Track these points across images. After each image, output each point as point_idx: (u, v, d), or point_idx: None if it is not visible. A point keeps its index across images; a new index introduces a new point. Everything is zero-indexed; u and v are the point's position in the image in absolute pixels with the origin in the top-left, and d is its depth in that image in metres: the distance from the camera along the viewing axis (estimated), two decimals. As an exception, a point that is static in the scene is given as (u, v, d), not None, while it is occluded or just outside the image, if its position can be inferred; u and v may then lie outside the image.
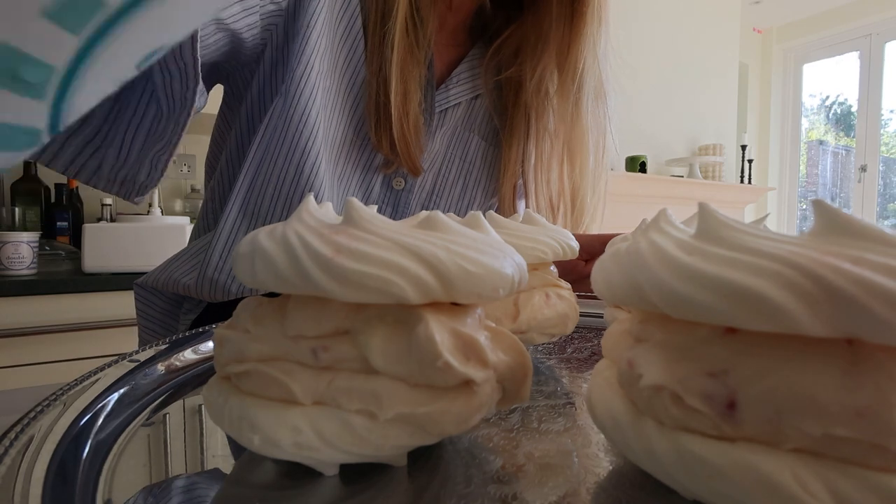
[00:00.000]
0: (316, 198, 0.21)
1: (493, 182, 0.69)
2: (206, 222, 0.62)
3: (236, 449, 0.23)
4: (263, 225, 0.55)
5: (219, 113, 0.64)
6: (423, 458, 0.21)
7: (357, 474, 0.20)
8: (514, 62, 0.66)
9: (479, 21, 0.69)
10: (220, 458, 0.23)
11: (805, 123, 4.03)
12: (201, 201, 0.68)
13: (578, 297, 0.39)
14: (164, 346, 0.33)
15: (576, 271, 0.55)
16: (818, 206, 0.16)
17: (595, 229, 0.71)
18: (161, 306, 0.62)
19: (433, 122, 0.63)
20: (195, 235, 0.64)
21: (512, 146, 0.67)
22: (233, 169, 0.59)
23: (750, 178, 3.25)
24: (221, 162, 0.60)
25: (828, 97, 4.00)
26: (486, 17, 0.69)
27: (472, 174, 0.68)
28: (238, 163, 0.58)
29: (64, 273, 1.30)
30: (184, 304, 0.62)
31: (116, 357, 0.30)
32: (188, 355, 0.33)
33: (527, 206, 0.68)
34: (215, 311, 0.60)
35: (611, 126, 0.67)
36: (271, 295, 0.21)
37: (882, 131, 3.59)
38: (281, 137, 0.54)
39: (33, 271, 1.25)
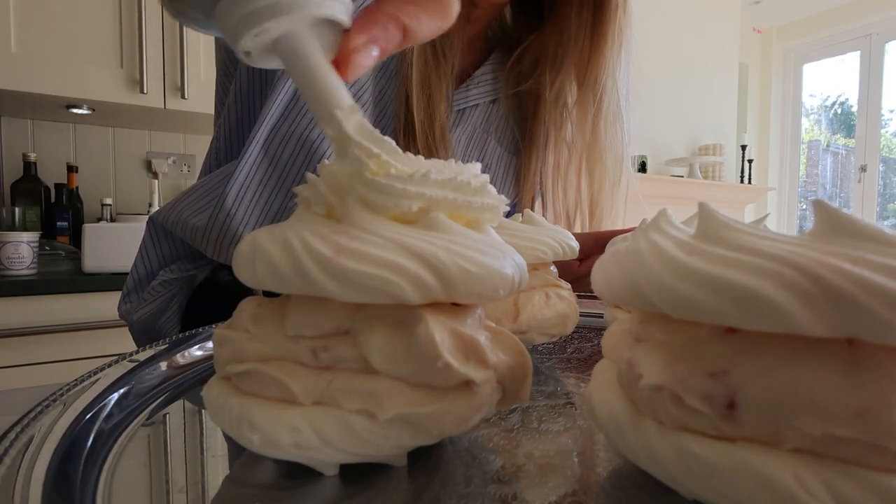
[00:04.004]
0: None
1: (508, 188, 0.69)
2: (217, 156, 0.60)
3: (236, 449, 0.23)
4: (283, 171, 0.54)
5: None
6: (423, 458, 0.21)
7: (357, 474, 0.20)
8: (533, 73, 0.66)
9: (499, 30, 0.69)
10: (220, 458, 0.23)
11: (805, 123, 4.03)
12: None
13: (577, 297, 0.39)
14: (164, 346, 0.33)
15: (571, 271, 0.55)
16: (818, 206, 0.16)
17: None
18: (165, 254, 0.59)
19: (450, 120, 0.63)
20: (204, 172, 0.62)
21: (532, 157, 0.68)
22: (247, 105, 0.56)
23: (750, 178, 3.25)
24: (231, 89, 0.57)
25: (828, 97, 4.00)
26: (505, 25, 0.70)
27: (489, 178, 0.68)
28: (252, 99, 0.56)
29: (64, 273, 1.30)
30: (178, 262, 0.59)
31: (116, 357, 0.30)
32: (188, 355, 0.33)
33: (543, 215, 0.69)
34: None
35: (628, 146, 0.67)
36: (271, 295, 0.21)
37: (882, 131, 3.59)
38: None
39: (33, 271, 1.25)
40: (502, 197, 0.22)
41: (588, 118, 0.64)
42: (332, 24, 0.21)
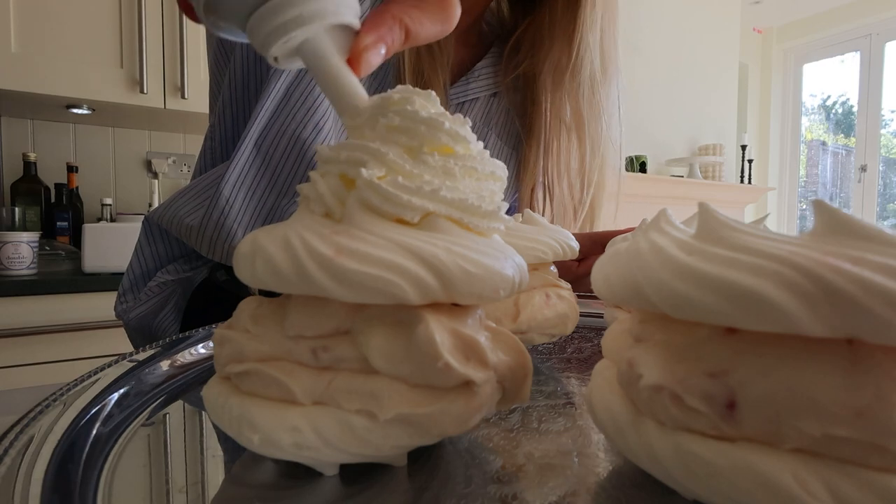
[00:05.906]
0: None
1: (507, 183, 0.69)
2: (213, 155, 0.60)
3: (236, 449, 0.23)
4: (276, 169, 0.54)
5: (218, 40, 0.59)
6: (423, 458, 0.21)
7: (357, 474, 0.20)
8: (529, 57, 0.67)
9: (497, 25, 0.69)
10: (219, 458, 0.23)
11: (805, 123, 4.03)
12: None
13: (577, 297, 0.39)
14: (163, 346, 0.33)
15: (571, 271, 0.55)
16: (818, 206, 0.16)
17: (603, 222, 0.71)
18: (161, 253, 0.59)
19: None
20: (197, 173, 0.62)
21: (532, 146, 0.68)
22: (241, 104, 0.56)
23: (750, 178, 3.25)
24: (224, 88, 0.57)
25: (828, 97, 4.00)
26: (504, 20, 0.70)
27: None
28: (247, 98, 0.56)
29: (64, 273, 1.30)
30: (175, 263, 0.59)
31: (116, 357, 0.30)
32: (188, 355, 0.33)
33: (551, 203, 0.69)
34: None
35: (612, 115, 0.67)
36: (271, 294, 0.21)
37: (882, 131, 3.59)
38: (304, 93, 0.53)
39: (33, 271, 1.25)
40: (510, 219, 0.23)
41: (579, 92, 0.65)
42: (345, 28, 0.24)
